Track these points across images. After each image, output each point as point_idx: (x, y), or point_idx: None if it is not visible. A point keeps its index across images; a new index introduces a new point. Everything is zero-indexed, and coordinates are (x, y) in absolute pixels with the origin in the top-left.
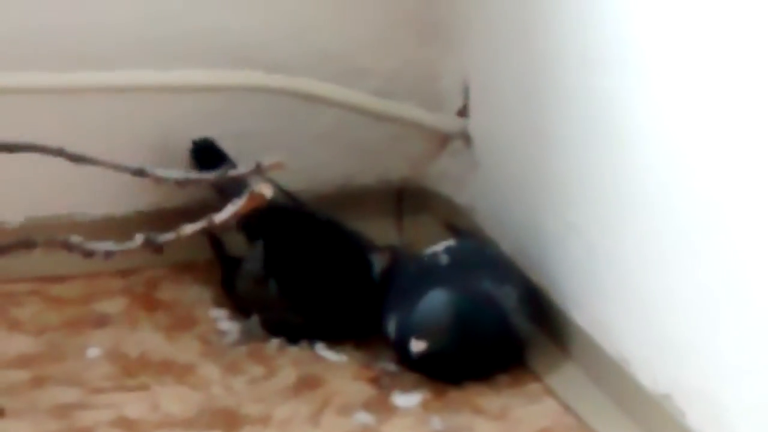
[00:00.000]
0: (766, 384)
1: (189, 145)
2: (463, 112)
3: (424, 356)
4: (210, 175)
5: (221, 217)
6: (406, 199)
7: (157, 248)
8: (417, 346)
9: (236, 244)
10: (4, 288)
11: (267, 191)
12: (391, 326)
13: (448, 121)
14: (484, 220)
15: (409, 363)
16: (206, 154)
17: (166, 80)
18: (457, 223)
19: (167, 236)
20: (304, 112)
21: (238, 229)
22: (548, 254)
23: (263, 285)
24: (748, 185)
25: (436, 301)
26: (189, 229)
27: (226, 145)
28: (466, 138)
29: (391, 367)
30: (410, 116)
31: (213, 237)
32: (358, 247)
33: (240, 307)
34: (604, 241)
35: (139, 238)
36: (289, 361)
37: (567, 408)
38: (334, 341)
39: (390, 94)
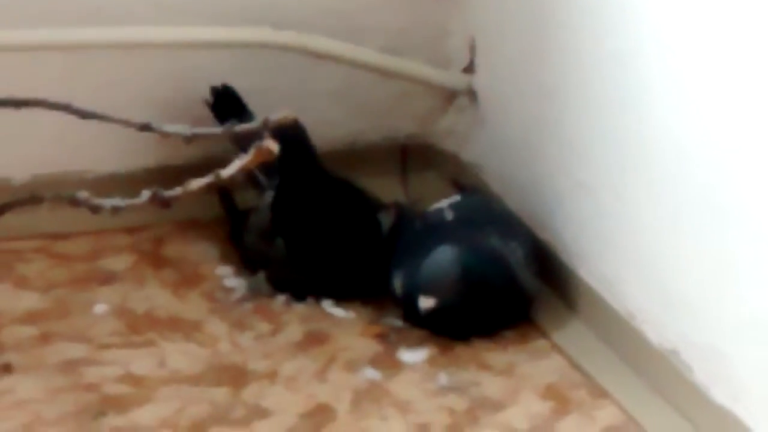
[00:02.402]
0: None
1: (206, 94)
2: (469, 69)
3: (431, 312)
4: (217, 131)
5: (228, 171)
6: (412, 156)
7: (164, 203)
8: (425, 302)
9: (247, 200)
10: (10, 245)
11: (274, 146)
12: (398, 283)
13: (454, 78)
14: (490, 176)
15: (415, 319)
16: (225, 102)
17: (174, 36)
18: (463, 180)
19: (174, 191)
20: (311, 69)
21: (248, 183)
22: (555, 210)
23: (270, 239)
24: (759, 143)
25: (442, 257)
26: (196, 183)
27: None
28: (472, 95)
29: (398, 323)
30: (417, 73)
31: (222, 190)
32: (366, 205)
33: (246, 262)
34: (612, 197)
35: (145, 194)
36: (295, 317)
37: (573, 364)
38: (340, 298)
39: (397, 51)
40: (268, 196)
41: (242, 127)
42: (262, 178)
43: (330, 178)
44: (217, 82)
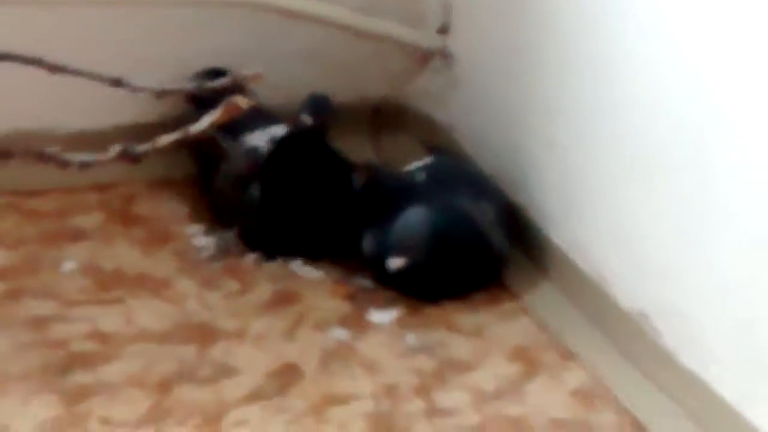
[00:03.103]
0: (742, 304)
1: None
2: (444, 30)
3: (401, 272)
4: (188, 86)
5: (197, 127)
6: (386, 116)
7: (133, 159)
8: (395, 262)
9: None
10: None
11: (243, 102)
12: (368, 243)
13: (428, 39)
14: (463, 138)
15: (385, 280)
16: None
17: None
18: (436, 141)
19: (143, 147)
20: (285, 28)
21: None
22: (527, 173)
23: (242, 187)
24: (725, 103)
25: (413, 217)
26: (165, 139)
27: (205, 60)
28: (446, 55)
29: (368, 283)
30: (391, 33)
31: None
32: (338, 164)
33: (214, 208)
34: (584, 160)
35: (115, 149)
36: (265, 276)
37: (542, 326)
38: (310, 257)
39: (370, 10)
40: (245, 143)
41: (213, 84)
42: (223, 142)
43: (304, 132)
44: (188, 40)
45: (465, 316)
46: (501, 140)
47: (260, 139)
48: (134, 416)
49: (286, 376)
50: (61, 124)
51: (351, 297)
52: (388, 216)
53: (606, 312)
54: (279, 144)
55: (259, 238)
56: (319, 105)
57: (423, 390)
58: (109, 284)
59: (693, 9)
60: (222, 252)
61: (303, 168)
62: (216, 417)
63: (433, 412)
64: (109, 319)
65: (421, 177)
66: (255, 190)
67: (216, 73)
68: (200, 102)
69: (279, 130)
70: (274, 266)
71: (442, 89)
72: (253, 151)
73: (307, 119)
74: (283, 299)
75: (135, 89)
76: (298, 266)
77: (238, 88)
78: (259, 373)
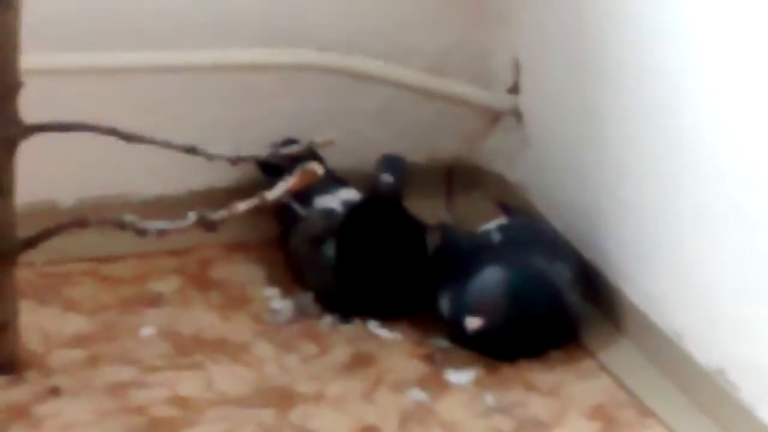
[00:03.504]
0: None
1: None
2: (514, 89)
3: (478, 332)
4: (262, 153)
5: (273, 193)
6: (458, 177)
7: (210, 226)
8: (472, 323)
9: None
10: (59, 268)
11: (318, 168)
12: (445, 303)
13: (498, 99)
14: (535, 197)
15: (462, 340)
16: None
17: (220, 59)
18: (509, 201)
19: (220, 214)
20: (355, 90)
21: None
22: (600, 231)
23: (316, 246)
24: None
25: (490, 277)
26: (242, 206)
27: (278, 123)
28: (517, 115)
29: (445, 344)
30: (461, 94)
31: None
32: (412, 225)
33: (292, 269)
34: (656, 216)
35: (192, 216)
36: (342, 338)
37: (620, 384)
38: (385, 318)
39: (441, 72)
40: (319, 205)
41: (288, 150)
42: (297, 206)
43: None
44: (262, 105)
45: (542, 375)
46: (574, 199)
47: (333, 201)
48: None
49: None
50: (135, 191)
51: (428, 358)
52: (464, 276)
53: (682, 368)
54: (359, 205)
55: (336, 300)
56: (394, 165)
57: None
58: (187, 349)
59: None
60: (299, 313)
61: (379, 228)
62: None
63: None
64: (189, 384)
65: (496, 237)
66: (330, 251)
67: (289, 141)
68: (272, 169)
69: (350, 193)
70: (351, 328)
71: (514, 149)
72: (329, 212)
73: (387, 178)
74: (360, 361)
75: (209, 157)
76: (375, 327)
77: (311, 154)
78: None
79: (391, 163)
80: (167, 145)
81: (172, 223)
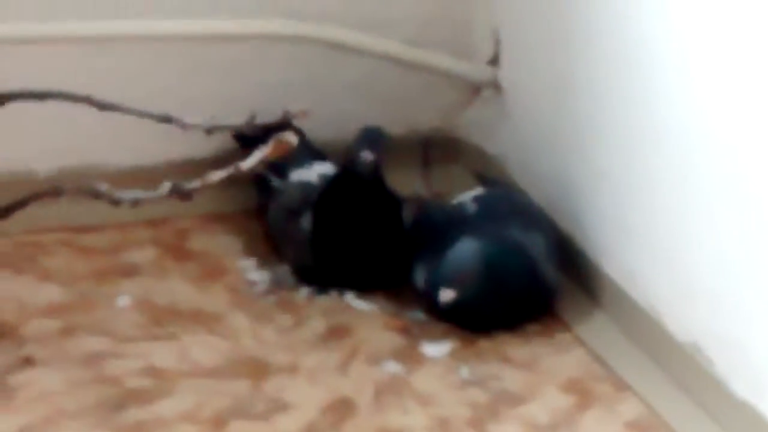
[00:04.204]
0: None
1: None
2: (493, 61)
3: (453, 305)
4: (238, 123)
5: (248, 163)
6: (436, 149)
7: (184, 196)
8: (446, 295)
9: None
10: (34, 238)
11: (293, 139)
12: (420, 276)
13: (478, 71)
14: (514, 169)
15: (438, 312)
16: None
17: (194, 29)
18: (487, 173)
19: (194, 183)
20: (333, 61)
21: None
22: (578, 203)
23: (293, 218)
24: None
25: (464, 249)
26: (216, 176)
27: (254, 93)
28: (496, 87)
29: (420, 316)
30: (440, 65)
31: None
32: (389, 197)
33: (269, 241)
34: (634, 189)
35: (166, 186)
36: (318, 310)
37: (596, 357)
38: (361, 290)
39: (420, 43)
40: (296, 177)
41: (262, 120)
42: (274, 178)
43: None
44: (238, 75)
45: (518, 348)
46: (552, 171)
47: (310, 174)
48: None
49: (340, 410)
50: (111, 161)
51: (404, 330)
52: (438, 248)
53: (658, 341)
54: (336, 179)
55: (312, 273)
56: (374, 138)
57: (477, 423)
58: (162, 320)
59: (739, 39)
60: (276, 286)
61: (355, 201)
62: None
63: None
64: (163, 355)
65: (471, 208)
66: (306, 224)
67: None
68: (249, 141)
69: (327, 166)
70: (327, 299)
71: (493, 121)
72: (306, 185)
73: (368, 155)
74: (336, 333)
75: (185, 126)
76: (351, 299)
77: (286, 125)
78: (312, 408)
79: (372, 136)
80: (142, 114)
81: (146, 193)
